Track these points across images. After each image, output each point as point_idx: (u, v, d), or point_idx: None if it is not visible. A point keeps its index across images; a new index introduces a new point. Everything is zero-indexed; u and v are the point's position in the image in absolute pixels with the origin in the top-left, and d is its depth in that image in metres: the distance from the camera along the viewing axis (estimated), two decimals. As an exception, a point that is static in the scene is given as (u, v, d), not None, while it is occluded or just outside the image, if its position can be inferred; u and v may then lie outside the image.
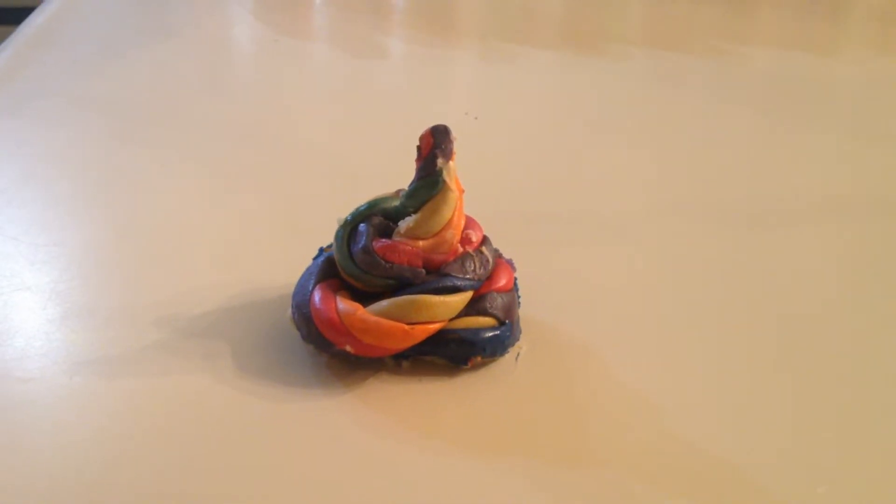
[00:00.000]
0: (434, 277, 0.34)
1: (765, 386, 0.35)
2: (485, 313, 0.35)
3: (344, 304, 0.33)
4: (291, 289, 0.36)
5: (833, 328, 0.40)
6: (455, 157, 0.34)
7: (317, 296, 0.34)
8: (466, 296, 0.34)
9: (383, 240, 0.34)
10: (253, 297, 0.39)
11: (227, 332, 0.37)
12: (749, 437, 0.32)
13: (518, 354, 0.36)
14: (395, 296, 0.34)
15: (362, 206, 0.35)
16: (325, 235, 0.37)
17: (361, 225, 0.35)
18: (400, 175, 0.38)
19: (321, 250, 0.38)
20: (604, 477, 0.30)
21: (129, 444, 0.31)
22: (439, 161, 0.34)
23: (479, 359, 0.35)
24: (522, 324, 0.37)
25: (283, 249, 0.43)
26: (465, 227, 0.36)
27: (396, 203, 0.35)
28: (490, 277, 0.36)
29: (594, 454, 0.31)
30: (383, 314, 0.33)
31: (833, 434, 0.33)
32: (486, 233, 0.37)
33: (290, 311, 0.36)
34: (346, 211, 0.36)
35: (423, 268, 0.34)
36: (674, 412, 0.34)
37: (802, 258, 0.46)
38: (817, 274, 0.44)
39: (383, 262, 0.34)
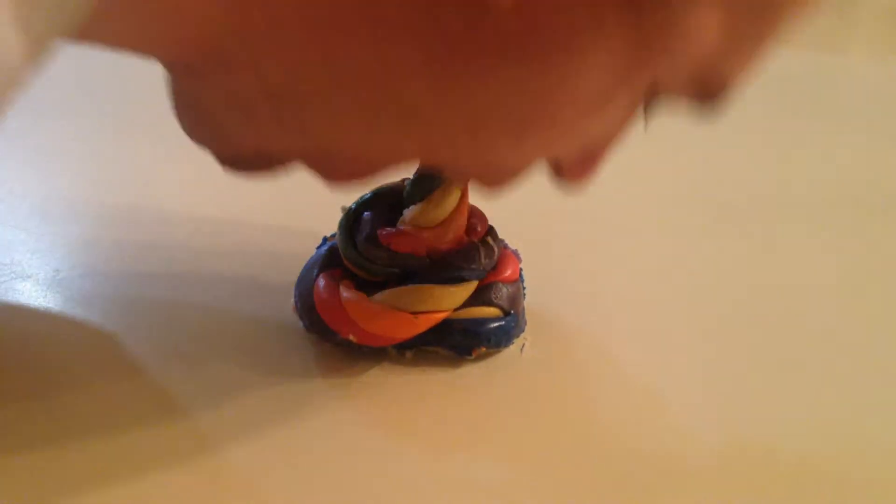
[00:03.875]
0: (439, 267, 0.33)
1: (769, 381, 0.35)
2: (489, 304, 0.34)
3: (348, 293, 0.33)
4: (295, 278, 0.36)
5: (836, 325, 0.39)
6: (461, 145, 0.34)
7: (320, 284, 0.34)
8: (471, 286, 0.34)
9: (387, 228, 0.34)
10: (256, 287, 0.39)
11: (229, 321, 0.36)
12: (754, 431, 0.32)
13: (523, 346, 0.36)
14: (399, 285, 0.33)
15: (366, 194, 0.35)
16: (330, 225, 0.37)
17: (365, 213, 0.35)
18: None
19: (325, 240, 0.37)
20: (609, 469, 0.30)
21: (129, 433, 0.30)
22: None
23: (483, 349, 0.34)
24: (528, 315, 0.36)
25: (286, 239, 0.43)
26: (471, 217, 0.35)
27: (401, 192, 0.35)
28: (495, 268, 0.35)
29: (599, 447, 0.31)
30: (387, 303, 0.33)
31: (841, 431, 0.32)
32: (491, 223, 0.36)
33: (293, 300, 0.36)
34: (350, 200, 0.35)
35: (428, 257, 0.34)
36: (679, 405, 0.33)
37: (809, 255, 0.45)
38: (823, 270, 0.44)
39: (387, 251, 0.33)
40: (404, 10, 0.21)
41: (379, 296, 0.33)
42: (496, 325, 0.34)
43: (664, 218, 0.48)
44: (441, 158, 0.27)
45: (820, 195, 0.52)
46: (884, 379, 0.36)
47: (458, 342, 0.34)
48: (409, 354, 0.34)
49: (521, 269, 0.36)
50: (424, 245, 0.33)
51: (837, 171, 0.55)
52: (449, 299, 0.33)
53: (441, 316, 0.33)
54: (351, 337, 0.33)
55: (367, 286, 0.34)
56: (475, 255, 0.34)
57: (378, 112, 0.23)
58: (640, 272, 0.42)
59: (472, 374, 0.34)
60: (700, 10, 0.23)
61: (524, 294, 0.36)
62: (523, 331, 0.36)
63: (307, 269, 0.36)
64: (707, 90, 0.27)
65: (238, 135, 0.25)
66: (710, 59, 0.25)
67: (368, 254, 0.34)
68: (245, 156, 0.27)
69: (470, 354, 0.34)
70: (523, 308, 0.36)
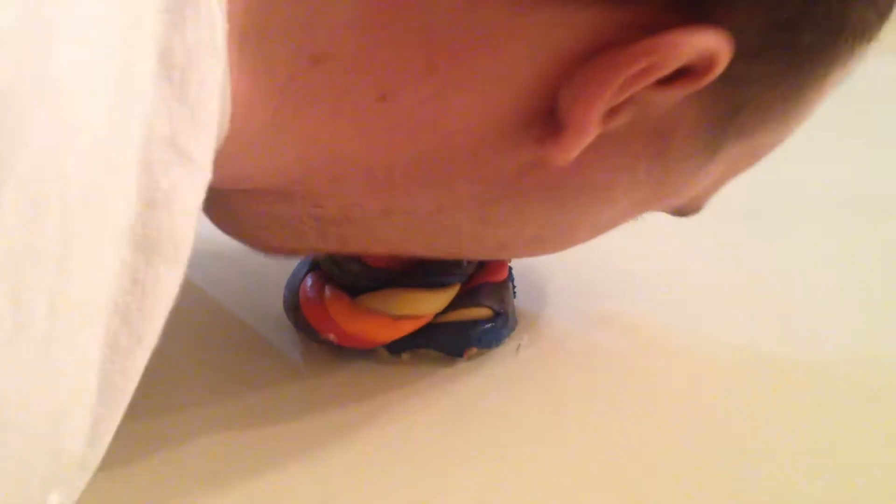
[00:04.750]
0: (422, 272, 0.33)
1: (764, 377, 0.35)
2: (479, 305, 0.34)
3: (332, 292, 0.33)
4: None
5: (837, 323, 0.39)
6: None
7: (307, 283, 0.34)
8: (454, 290, 0.34)
9: None
10: (249, 285, 0.39)
11: (221, 317, 0.37)
12: (749, 433, 0.32)
13: (519, 346, 0.35)
14: (382, 288, 0.33)
15: None
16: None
17: None
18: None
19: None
20: (604, 469, 0.30)
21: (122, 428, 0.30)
22: None
23: (474, 350, 0.34)
24: (523, 316, 0.36)
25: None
26: None
27: None
28: (484, 268, 0.35)
29: (592, 446, 0.31)
30: (370, 305, 0.33)
31: (836, 425, 0.32)
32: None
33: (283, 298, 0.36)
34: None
35: (402, 270, 0.33)
36: (676, 400, 0.33)
37: (805, 255, 0.45)
38: (820, 271, 0.43)
39: (361, 264, 0.33)
40: (464, 160, 0.24)
41: (362, 297, 0.33)
42: (486, 325, 0.34)
43: (658, 217, 0.47)
44: (438, 255, 0.31)
45: (818, 194, 0.51)
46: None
47: (449, 343, 0.34)
48: (405, 356, 0.34)
49: (510, 269, 0.36)
50: (400, 260, 0.33)
51: (837, 170, 0.54)
52: (431, 303, 0.33)
53: (423, 320, 0.33)
54: (331, 336, 0.33)
55: (355, 289, 0.33)
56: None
57: (416, 234, 0.27)
58: (630, 269, 0.42)
59: (465, 375, 0.34)
60: (709, 168, 0.27)
61: (515, 293, 0.36)
62: (514, 330, 0.36)
63: (298, 268, 0.36)
64: (684, 214, 0.32)
65: (272, 241, 0.29)
66: (698, 201, 0.31)
67: (343, 266, 0.33)
68: (276, 252, 0.30)
69: (461, 355, 0.34)
70: (514, 307, 0.36)
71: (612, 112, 0.23)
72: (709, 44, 0.21)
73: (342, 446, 0.30)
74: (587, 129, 0.23)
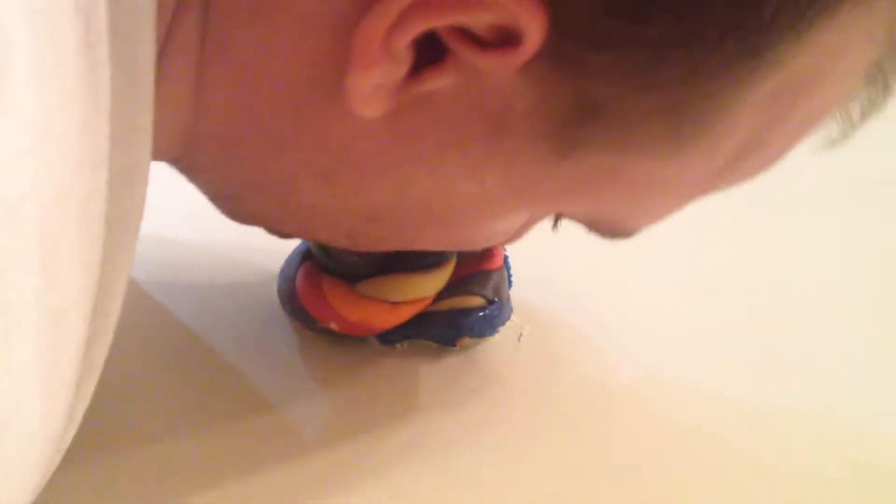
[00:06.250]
0: (416, 254, 0.32)
1: (759, 369, 0.34)
2: (471, 293, 0.33)
3: (330, 281, 0.32)
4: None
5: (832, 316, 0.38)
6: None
7: (304, 272, 0.33)
8: (449, 267, 0.33)
9: None
10: (244, 273, 0.39)
11: (216, 307, 0.36)
12: (743, 423, 0.31)
13: (520, 335, 0.35)
14: (380, 273, 0.32)
15: None
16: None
17: None
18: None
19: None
20: (602, 459, 0.29)
21: (119, 414, 0.30)
22: None
23: (466, 339, 0.33)
24: (522, 305, 0.35)
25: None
26: None
27: None
28: (479, 256, 0.34)
29: (583, 437, 0.30)
30: (369, 293, 0.32)
31: (833, 425, 0.31)
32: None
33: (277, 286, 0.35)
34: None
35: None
36: (670, 395, 0.32)
37: (798, 244, 0.44)
38: (815, 261, 0.42)
39: (358, 254, 0.32)
40: (293, 123, 0.23)
41: (361, 285, 0.32)
42: (479, 314, 0.33)
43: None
44: (352, 244, 0.29)
45: (814, 182, 0.50)
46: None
47: (442, 333, 0.33)
48: (399, 347, 0.34)
49: (506, 257, 0.35)
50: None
51: (835, 157, 0.53)
52: (428, 285, 0.32)
53: (423, 304, 0.32)
54: (332, 325, 0.32)
55: (351, 277, 0.33)
56: None
57: (284, 206, 0.27)
58: (627, 258, 0.41)
59: (461, 363, 0.33)
60: (567, 170, 0.24)
61: (511, 282, 0.36)
62: (509, 319, 0.35)
63: (292, 256, 0.35)
64: (611, 236, 0.28)
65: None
66: (611, 221, 0.27)
67: (342, 259, 0.32)
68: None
69: (453, 345, 0.33)
70: (508, 296, 0.35)
71: (432, 72, 0.21)
72: None
73: (339, 438, 0.30)
74: (368, 62, 0.20)
